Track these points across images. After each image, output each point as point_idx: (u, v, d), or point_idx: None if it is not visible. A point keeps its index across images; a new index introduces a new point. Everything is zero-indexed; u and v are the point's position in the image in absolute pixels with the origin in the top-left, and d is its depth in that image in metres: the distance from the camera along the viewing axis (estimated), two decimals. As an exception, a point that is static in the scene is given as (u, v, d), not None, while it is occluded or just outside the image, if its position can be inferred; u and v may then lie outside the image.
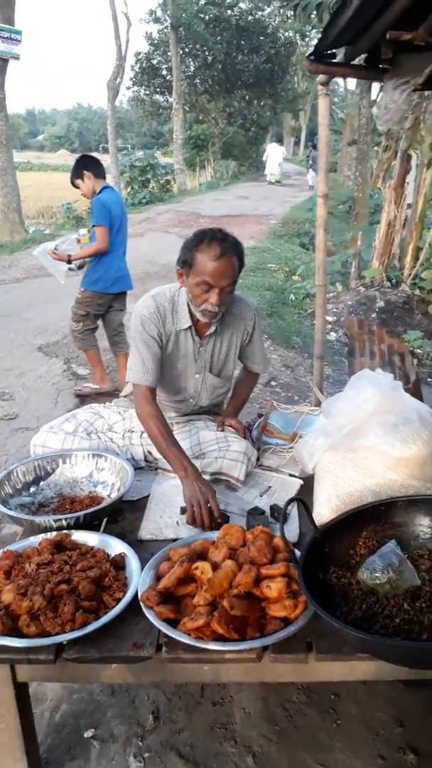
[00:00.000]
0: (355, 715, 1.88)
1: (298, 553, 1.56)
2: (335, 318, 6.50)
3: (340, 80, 26.52)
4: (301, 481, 2.09)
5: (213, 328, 2.18)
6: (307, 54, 2.78)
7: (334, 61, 2.79)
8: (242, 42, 24.63)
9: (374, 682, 1.96)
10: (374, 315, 6.28)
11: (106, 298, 4.23)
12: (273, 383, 4.89)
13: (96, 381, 4.35)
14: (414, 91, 2.37)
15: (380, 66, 2.62)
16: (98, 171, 4.12)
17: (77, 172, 4.06)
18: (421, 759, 1.75)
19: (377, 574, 1.46)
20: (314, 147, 25.13)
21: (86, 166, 4.10)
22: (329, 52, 2.74)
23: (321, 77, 3.11)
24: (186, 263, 2.02)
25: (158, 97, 26.72)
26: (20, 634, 1.39)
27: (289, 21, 23.37)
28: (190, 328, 2.15)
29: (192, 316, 2.14)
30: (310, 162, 22.86)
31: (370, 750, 1.77)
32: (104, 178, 4.19)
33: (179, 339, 2.18)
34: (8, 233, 10.91)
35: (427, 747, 1.78)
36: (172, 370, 2.22)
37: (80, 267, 4.27)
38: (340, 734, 1.82)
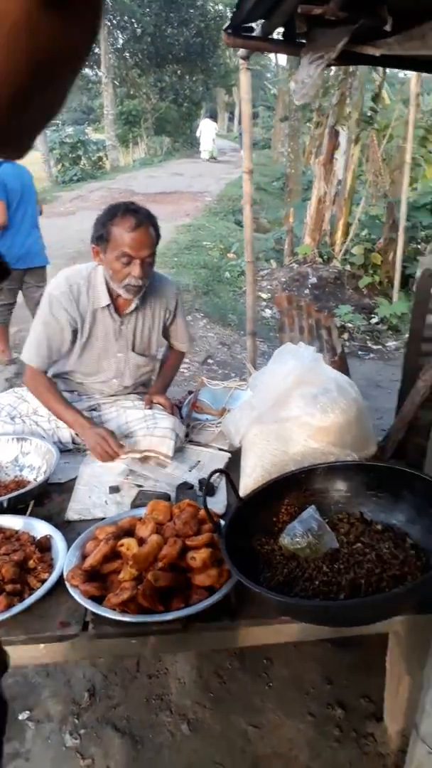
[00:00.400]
0: (286, 676, 1.95)
1: (223, 523, 1.59)
2: (270, 295, 6.57)
3: (272, 56, 26.39)
4: (229, 455, 2.12)
5: (133, 305, 2.16)
6: (223, 27, 2.75)
7: (251, 35, 2.78)
8: (171, 15, 24.12)
9: (304, 645, 2.04)
10: (307, 291, 6.38)
11: (14, 274, 4.09)
12: (210, 361, 4.91)
13: None
14: (328, 66, 2.40)
15: (297, 41, 2.63)
16: None
17: None
18: (348, 712, 1.84)
19: (297, 539, 1.51)
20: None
21: None
22: (247, 25, 2.73)
23: (241, 51, 3.10)
24: (101, 239, 1.99)
25: (87, 71, 25.93)
26: None
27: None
28: (108, 306, 2.12)
29: (111, 293, 2.11)
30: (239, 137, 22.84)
31: (300, 708, 1.85)
32: None
33: (96, 318, 2.14)
34: None
35: (353, 701, 1.87)
36: (93, 350, 2.20)
37: None
38: (272, 696, 1.89)
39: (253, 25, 2.76)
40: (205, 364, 4.92)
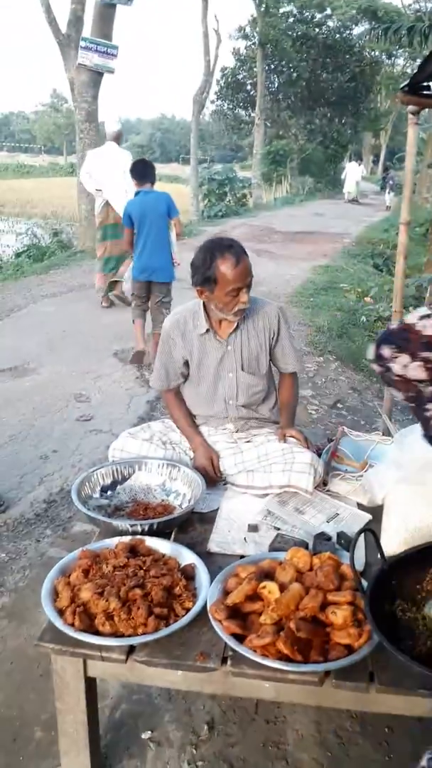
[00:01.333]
0: (408, 751, 1.87)
1: (364, 583, 1.58)
2: (407, 343, 6.40)
3: (425, 101, 26.06)
4: (370, 516, 2.09)
5: (233, 327, 2.30)
6: (401, 86, 2.80)
7: (427, 93, 2.80)
8: (328, 60, 24.69)
9: (429, 720, 1.94)
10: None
11: (139, 284, 5.11)
12: (339, 405, 4.87)
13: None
14: None
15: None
16: (138, 176, 4.97)
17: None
18: (474, 804, 1.72)
19: (445, 612, 1.46)
20: (387, 169, 24.83)
21: (131, 171, 5.10)
22: (424, 84, 2.76)
23: (411, 107, 3.13)
24: (208, 281, 2.15)
25: (241, 112, 27.11)
26: (95, 632, 1.47)
27: (377, 41, 23.25)
28: (208, 331, 2.31)
29: (210, 321, 2.30)
30: (390, 182, 22.59)
31: (421, 788, 1.76)
32: (146, 182, 4.95)
33: (204, 343, 2.34)
34: (91, 239, 11.27)
35: None
36: (208, 375, 2.36)
37: None
38: (391, 768, 1.82)
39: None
40: (335, 408, 4.88)
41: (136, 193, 4.98)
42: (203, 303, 2.29)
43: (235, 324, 2.31)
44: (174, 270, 5.12)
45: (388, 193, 22.18)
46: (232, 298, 2.16)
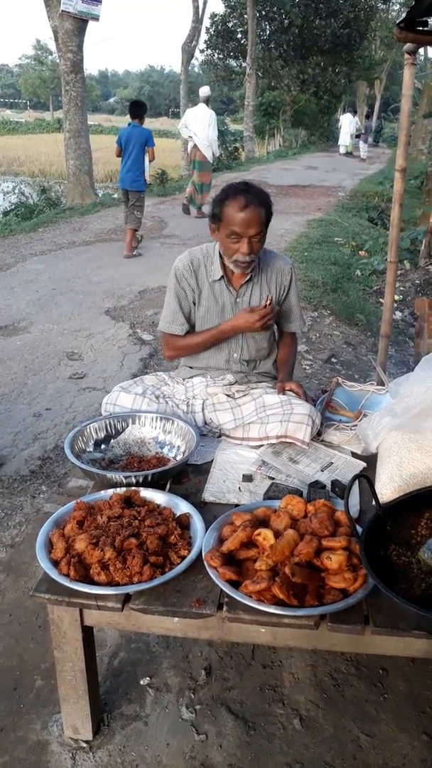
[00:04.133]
0: (402, 690, 1.91)
1: (359, 528, 1.58)
2: (401, 297, 6.36)
3: (421, 50, 25.29)
4: (364, 464, 2.08)
5: (247, 278, 2.28)
6: (397, 21, 2.68)
7: (425, 29, 2.68)
8: (321, 5, 23.80)
9: (422, 661, 1.98)
10: (443, 295, 6.10)
11: (122, 191, 7.31)
12: (333, 360, 4.84)
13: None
14: None
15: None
16: (131, 112, 7.06)
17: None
18: (466, 740, 1.77)
19: (439, 555, 1.47)
20: (367, 117, 24.30)
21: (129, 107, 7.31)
22: (421, 20, 2.64)
23: (408, 46, 3.00)
24: (215, 217, 2.17)
25: (231, 62, 26.24)
26: (90, 582, 1.47)
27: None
28: (222, 278, 2.29)
29: (225, 267, 2.27)
30: (363, 132, 22.13)
31: (415, 725, 1.80)
32: (136, 118, 7.00)
33: (214, 290, 2.32)
34: (79, 196, 11.04)
35: (473, 729, 1.79)
36: (212, 322, 2.33)
37: None
38: (386, 707, 1.86)
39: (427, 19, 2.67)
40: (329, 363, 4.86)
41: (128, 125, 7.08)
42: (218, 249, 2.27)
43: (248, 276, 2.29)
44: (144, 183, 7.25)
45: (361, 143, 21.81)
46: (232, 243, 2.14)
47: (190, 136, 9.23)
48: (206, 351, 2.40)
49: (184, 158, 16.71)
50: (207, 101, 9.18)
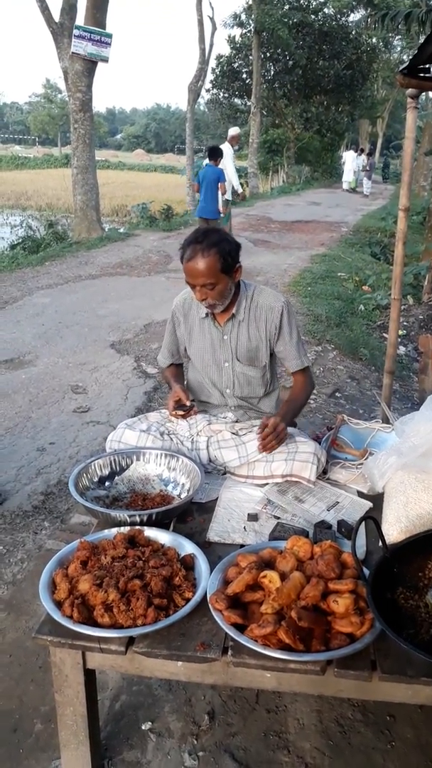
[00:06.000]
0: (410, 738, 1.86)
1: (366, 570, 1.56)
2: (404, 332, 6.39)
3: (422, 88, 25.90)
4: (370, 504, 2.07)
5: (229, 316, 2.33)
6: (400, 67, 2.76)
7: (427, 75, 2.76)
8: (324, 47, 24.45)
9: (431, 708, 1.93)
10: (446, 331, 6.13)
11: (199, 219, 8.78)
12: (338, 395, 4.85)
13: None
14: None
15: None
16: (209, 155, 8.53)
17: None
18: None
19: (447, 600, 1.45)
20: (369, 155, 24.77)
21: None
22: (423, 66, 2.72)
23: (411, 91, 3.08)
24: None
25: (236, 101, 26.88)
26: (94, 624, 1.45)
27: (374, 28, 23.02)
28: (207, 315, 2.36)
29: None
30: (367, 168, 22.49)
31: (424, 776, 1.75)
32: (212, 159, 8.37)
33: (203, 328, 2.40)
34: (86, 230, 11.22)
35: None
36: (204, 359, 2.40)
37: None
38: (394, 756, 1.81)
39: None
40: (333, 397, 4.86)
41: (205, 165, 8.61)
42: None
43: (231, 314, 2.32)
44: (218, 213, 8.52)
45: (365, 180, 22.15)
46: (193, 290, 2.23)
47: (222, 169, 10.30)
48: (203, 386, 2.47)
49: (188, 193, 17.09)
50: (233, 140, 9.67)
